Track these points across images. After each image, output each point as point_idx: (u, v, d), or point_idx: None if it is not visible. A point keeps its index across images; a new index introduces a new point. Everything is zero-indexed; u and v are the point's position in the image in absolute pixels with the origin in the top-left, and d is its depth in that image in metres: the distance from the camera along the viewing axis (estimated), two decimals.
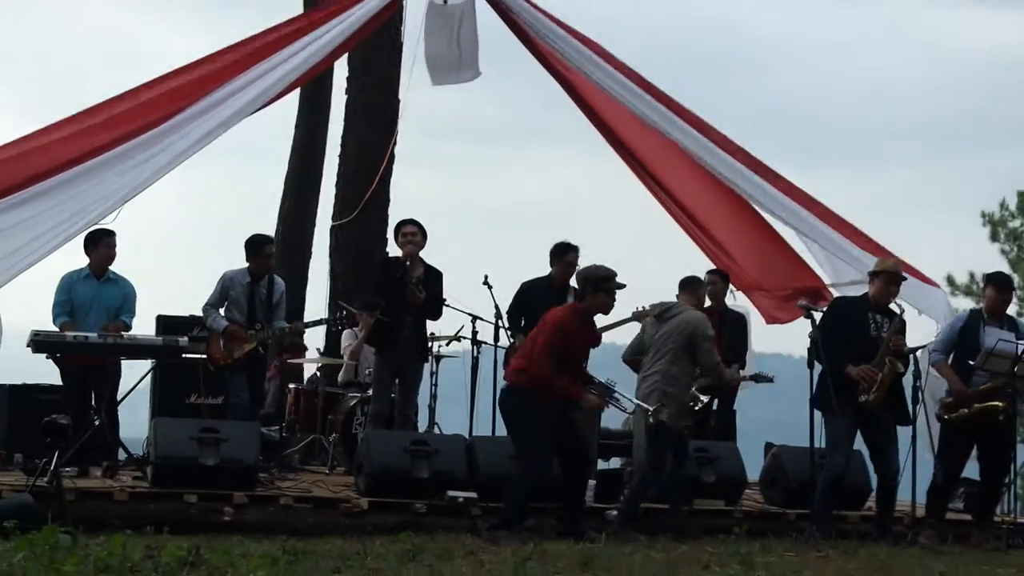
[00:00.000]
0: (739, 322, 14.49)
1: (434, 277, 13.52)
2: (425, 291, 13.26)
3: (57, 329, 12.51)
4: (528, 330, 13.35)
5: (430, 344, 14.32)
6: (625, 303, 13.85)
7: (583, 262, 13.17)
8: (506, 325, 13.74)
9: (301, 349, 16.53)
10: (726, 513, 12.66)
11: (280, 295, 13.42)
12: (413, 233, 13.42)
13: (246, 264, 13.32)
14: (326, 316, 14.82)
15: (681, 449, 12.01)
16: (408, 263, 13.34)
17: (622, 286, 11.53)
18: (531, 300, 13.50)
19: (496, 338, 13.93)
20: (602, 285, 11.37)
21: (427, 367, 14.22)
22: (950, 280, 29.67)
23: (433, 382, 14.71)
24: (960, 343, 12.41)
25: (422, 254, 13.47)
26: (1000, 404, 11.94)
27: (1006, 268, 38.01)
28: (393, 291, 13.32)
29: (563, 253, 13.65)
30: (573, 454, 11.42)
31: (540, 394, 11.17)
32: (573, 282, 13.65)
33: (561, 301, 13.04)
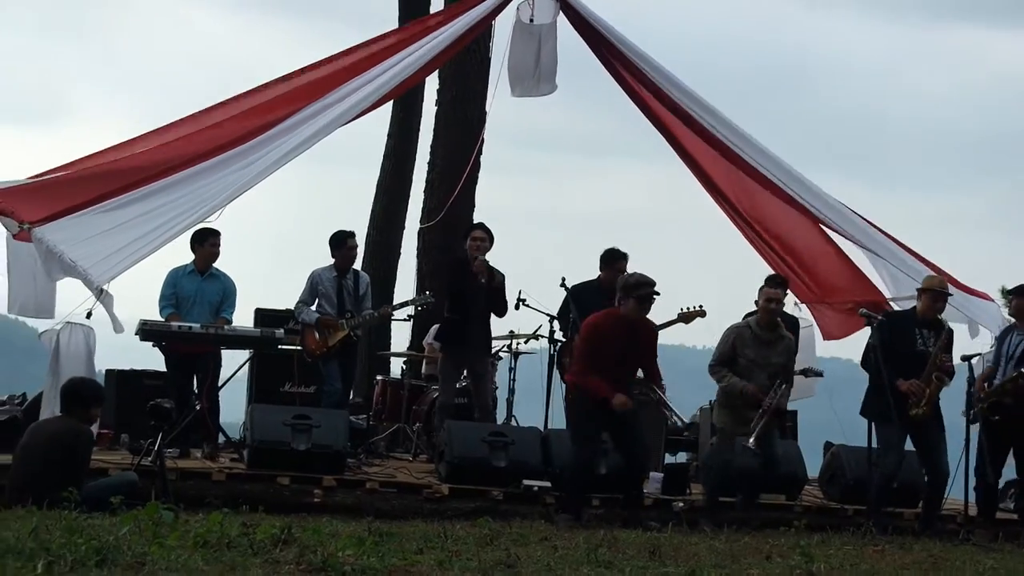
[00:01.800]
0: (791, 325, 14.27)
1: (496, 277, 13.50)
2: (488, 290, 13.26)
3: (163, 320, 12.62)
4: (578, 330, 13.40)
5: (511, 342, 14.40)
6: (680, 305, 13.89)
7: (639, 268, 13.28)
8: (557, 324, 13.87)
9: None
10: (787, 507, 12.57)
11: (366, 287, 13.53)
12: (482, 239, 13.44)
13: (331, 260, 13.42)
14: (411, 299, 14.73)
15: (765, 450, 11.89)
16: (475, 264, 13.32)
17: (653, 294, 11.45)
18: (580, 303, 13.53)
19: (571, 338, 13.89)
20: (632, 292, 11.38)
21: (506, 363, 14.25)
22: (1003, 292, 29.31)
23: (512, 377, 14.70)
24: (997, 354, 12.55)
25: (489, 255, 13.47)
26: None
27: None
28: (461, 291, 13.35)
29: (613, 261, 13.70)
30: (631, 451, 11.51)
31: (583, 391, 11.40)
32: None
33: (609, 303, 13.04)
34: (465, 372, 13.89)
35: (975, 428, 12.20)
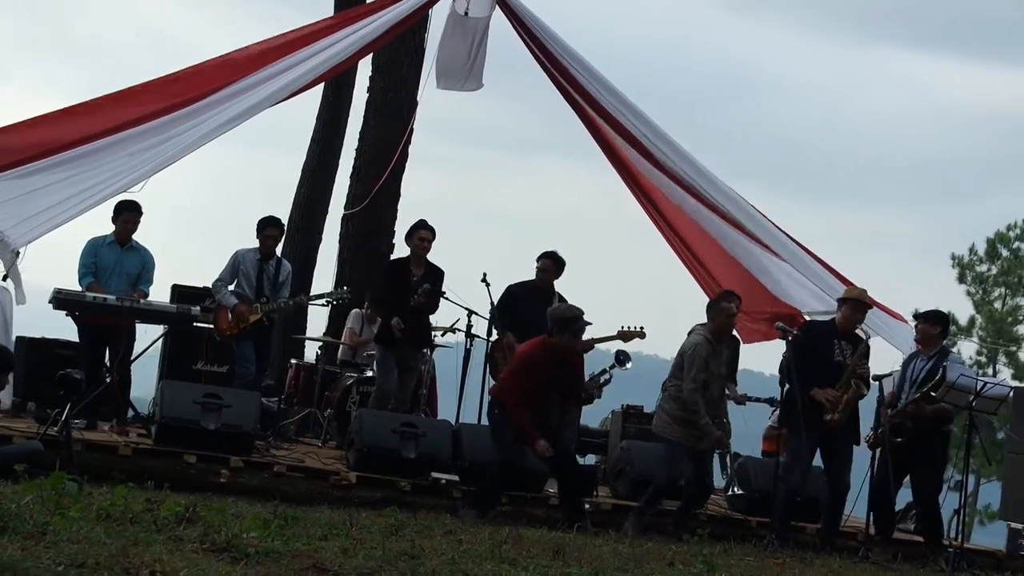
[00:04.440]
0: (734, 342, 14.37)
1: (436, 275, 13.57)
2: (428, 288, 13.37)
3: (82, 289, 12.49)
4: (513, 329, 13.38)
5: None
6: (616, 319, 13.96)
7: (575, 272, 13.41)
8: (495, 323, 13.83)
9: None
10: (692, 515, 12.62)
11: (286, 275, 13.52)
12: (428, 239, 13.47)
13: (256, 243, 13.40)
14: (328, 291, 14.73)
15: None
16: (414, 266, 13.45)
17: (586, 325, 11.57)
18: (515, 302, 13.60)
19: (489, 333, 13.93)
20: (567, 326, 11.41)
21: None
22: (916, 316, 29.61)
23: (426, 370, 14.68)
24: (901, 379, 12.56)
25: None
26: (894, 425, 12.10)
27: (971, 309, 38.07)
28: (400, 294, 13.35)
29: (539, 260, 13.82)
30: (561, 462, 11.58)
31: (512, 422, 11.38)
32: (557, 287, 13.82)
33: (544, 304, 13.04)
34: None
35: (878, 449, 12.27)
